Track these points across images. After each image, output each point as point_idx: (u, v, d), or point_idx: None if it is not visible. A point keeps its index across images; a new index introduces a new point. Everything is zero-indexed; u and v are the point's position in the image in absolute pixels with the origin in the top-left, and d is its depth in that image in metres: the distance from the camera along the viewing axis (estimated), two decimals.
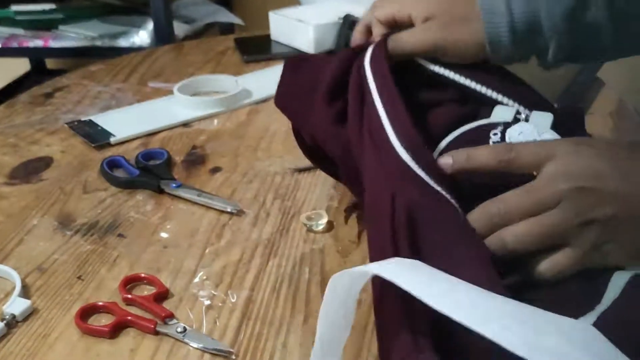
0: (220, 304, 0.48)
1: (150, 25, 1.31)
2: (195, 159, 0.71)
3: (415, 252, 0.39)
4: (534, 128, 0.46)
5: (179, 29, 1.33)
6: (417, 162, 0.43)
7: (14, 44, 1.33)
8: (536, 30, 0.49)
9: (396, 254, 0.38)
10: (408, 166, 0.42)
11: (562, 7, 0.48)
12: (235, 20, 1.49)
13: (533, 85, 0.54)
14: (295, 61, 0.57)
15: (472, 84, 0.51)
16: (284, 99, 0.57)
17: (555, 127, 0.47)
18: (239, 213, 0.60)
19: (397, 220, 0.40)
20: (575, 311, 0.38)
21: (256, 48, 1.08)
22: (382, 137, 0.44)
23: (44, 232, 0.58)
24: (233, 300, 0.49)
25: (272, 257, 0.54)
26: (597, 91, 0.85)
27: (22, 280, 0.51)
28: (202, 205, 0.61)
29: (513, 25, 0.49)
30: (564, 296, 0.41)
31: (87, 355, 0.44)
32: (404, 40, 0.51)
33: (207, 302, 0.49)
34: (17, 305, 0.47)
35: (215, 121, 0.81)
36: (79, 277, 0.52)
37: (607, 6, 0.47)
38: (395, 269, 0.34)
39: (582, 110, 0.67)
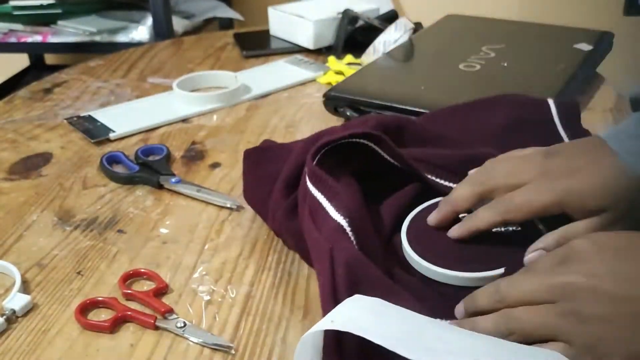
0: (219, 300, 0.48)
1: (149, 20, 1.30)
2: (195, 155, 0.71)
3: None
4: None
5: (178, 24, 1.32)
6: (350, 222, 0.46)
7: (13, 39, 1.33)
8: None
9: (335, 297, 0.40)
10: (342, 226, 0.45)
11: None
12: (235, 15, 1.48)
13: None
14: (253, 153, 0.59)
15: (439, 180, 0.55)
16: (248, 194, 0.58)
17: None
18: (239, 209, 0.60)
19: (336, 270, 0.42)
20: None
21: (255, 43, 1.08)
22: (319, 212, 0.47)
23: (43, 228, 0.58)
24: (232, 296, 0.49)
25: (271, 253, 0.54)
26: (597, 87, 0.85)
27: (22, 276, 0.51)
28: (202, 201, 0.62)
29: None
30: None
31: (87, 350, 0.44)
32: (519, 202, 0.47)
33: (207, 298, 0.49)
34: (17, 301, 0.47)
35: (215, 117, 0.81)
36: (78, 273, 0.52)
37: None
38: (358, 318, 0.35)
39: (578, 105, 0.67)
